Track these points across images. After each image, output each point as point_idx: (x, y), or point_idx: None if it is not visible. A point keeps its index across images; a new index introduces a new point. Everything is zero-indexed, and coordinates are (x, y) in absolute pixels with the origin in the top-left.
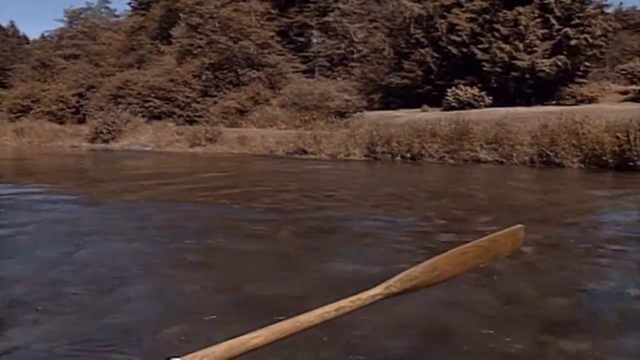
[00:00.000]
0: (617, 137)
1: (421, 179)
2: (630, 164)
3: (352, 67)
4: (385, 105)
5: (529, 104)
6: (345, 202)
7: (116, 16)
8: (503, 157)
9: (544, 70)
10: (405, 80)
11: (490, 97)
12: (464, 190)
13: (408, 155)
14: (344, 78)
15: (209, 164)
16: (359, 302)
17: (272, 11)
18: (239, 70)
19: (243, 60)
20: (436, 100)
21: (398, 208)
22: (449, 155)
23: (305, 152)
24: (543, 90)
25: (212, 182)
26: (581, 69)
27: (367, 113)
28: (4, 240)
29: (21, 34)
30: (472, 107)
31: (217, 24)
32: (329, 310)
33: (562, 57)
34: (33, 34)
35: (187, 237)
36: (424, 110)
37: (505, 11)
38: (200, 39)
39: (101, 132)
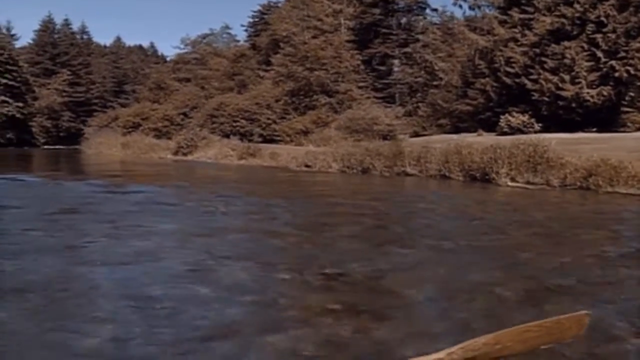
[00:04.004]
0: (482, 158)
1: (345, 181)
2: (486, 177)
3: (432, 94)
4: (454, 130)
5: (578, 131)
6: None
7: (236, 41)
8: (420, 172)
9: (589, 100)
10: (468, 107)
11: (540, 124)
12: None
13: (359, 168)
14: (422, 104)
15: (240, 172)
16: None
17: (351, 43)
18: (314, 96)
19: (318, 87)
20: (495, 126)
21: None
22: (387, 169)
23: (307, 165)
24: (592, 118)
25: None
26: (626, 98)
27: (431, 137)
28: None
29: (160, 54)
30: (522, 132)
31: (308, 55)
32: None
33: (607, 87)
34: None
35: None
36: (479, 135)
37: (553, 45)
38: (285, 66)
39: (182, 147)
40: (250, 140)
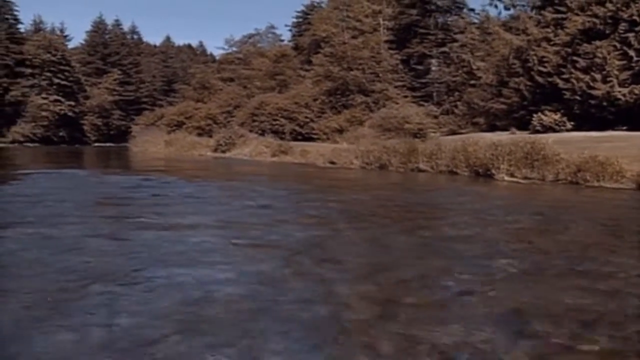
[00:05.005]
0: (485, 155)
1: (357, 177)
2: (488, 172)
3: (468, 93)
4: (490, 128)
5: (609, 129)
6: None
7: (281, 41)
8: (432, 168)
9: (620, 99)
10: (503, 106)
11: (572, 123)
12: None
13: (377, 164)
14: (459, 102)
15: (271, 168)
16: None
17: (389, 43)
18: (350, 95)
19: (355, 87)
20: (529, 124)
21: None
22: (402, 165)
23: (332, 162)
24: (623, 116)
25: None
26: None
27: (463, 136)
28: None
29: (208, 53)
30: (554, 131)
31: (345, 55)
32: None
33: (638, 86)
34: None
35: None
36: (512, 133)
37: (585, 45)
38: (323, 66)
39: (221, 144)
40: (282, 138)
